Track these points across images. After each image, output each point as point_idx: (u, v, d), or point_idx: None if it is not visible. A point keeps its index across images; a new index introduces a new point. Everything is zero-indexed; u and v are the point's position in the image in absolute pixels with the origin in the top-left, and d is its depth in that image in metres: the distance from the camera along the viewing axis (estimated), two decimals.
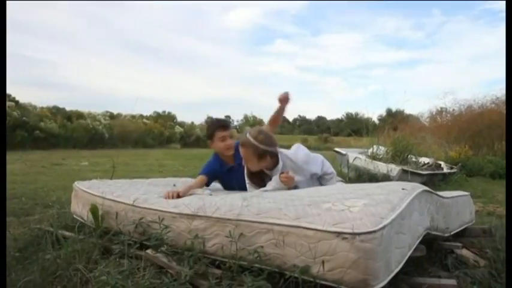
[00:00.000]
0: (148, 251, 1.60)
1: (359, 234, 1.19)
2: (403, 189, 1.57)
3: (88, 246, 1.75)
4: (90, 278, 1.49)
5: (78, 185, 2.22)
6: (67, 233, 2.00)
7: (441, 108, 13.64)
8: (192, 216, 1.59)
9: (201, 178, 2.31)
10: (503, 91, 11.79)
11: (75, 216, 2.22)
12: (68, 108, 18.76)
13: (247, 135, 2.08)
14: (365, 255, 1.18)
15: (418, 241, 1.55)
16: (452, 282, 1.60)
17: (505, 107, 11.54)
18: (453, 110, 13.15)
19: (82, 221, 2.10)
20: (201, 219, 1.56)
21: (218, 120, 2.52)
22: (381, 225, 1.22)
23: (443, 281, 1.60)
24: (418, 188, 1.66)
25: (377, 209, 1.33)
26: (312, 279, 1.26)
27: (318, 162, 2.23)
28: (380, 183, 1.97)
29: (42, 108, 17.37)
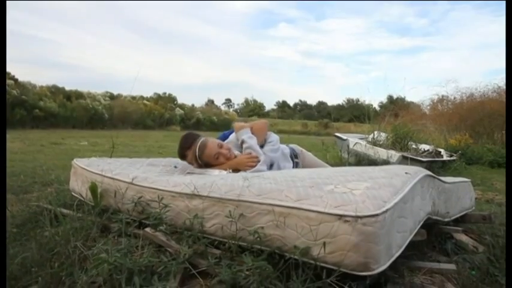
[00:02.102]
0: (147, 229, 1.58)
1: (361, 217, 1.17)
2: (406, 173, 1.56)
3: (87, 224, 1.74)
4: (88, 255, 1.49)
5: (78, 162, 2.20)
6: (65, 211, 1.98)
7: (442, 96, 13.59)
8: (192, 196, 1.57)
9: None
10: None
11: (73, 193, 2.20)
12: (67, 88, 18.65)
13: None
14: (366, 239, 1.17)
15: (419, 225, 1.54)
16: (452, 266, 1.60)
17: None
18: (454, 98, 13.10)
19: (80, 198, 2.08)
20: (201, 199, 1.54)
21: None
22: (383, 209, 1.20)
23: (443, 266, 1.60)
24: (421, 172, 1.64)
25: (380, 193, 1.31)
26: (312, 261, 1.24)
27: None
28: (383, 166, 1.96)
29: (41, 87, 17.25)
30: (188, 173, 2.10)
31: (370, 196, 1.28)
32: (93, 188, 1.89)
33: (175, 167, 2.31)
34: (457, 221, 2.23)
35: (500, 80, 11.71)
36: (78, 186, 2.12)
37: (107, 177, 1.93)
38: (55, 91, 17.54)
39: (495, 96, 11.73)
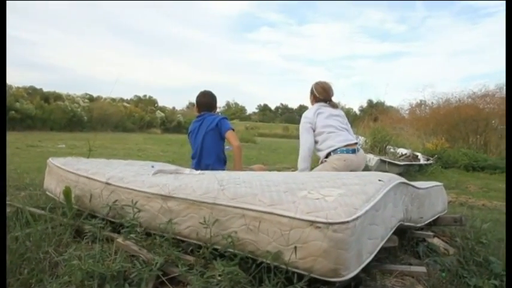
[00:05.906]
0: (119, 239, 1.56)
1: (332, 224, 1.18)
2: (379, 180, 1.57)
3: (59, 228, 1.71)
4: (59, 261, 1.46)
5: (53, 161, 2.15)
6: (39, 211, 1.94)
7: (420, 101, 13.92)
8: (167, 197, 1.56)
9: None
10: (480, 86, 12.16)
11: (47, 192, 2.16)
12: (45, 89, 18.25)
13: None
14: (337, 245, 1.18)
15: (391, 232, 1.56)
16: (422, 269, 1.64)
17: (481, 102, 11.88)
18: (432, 103, 13.44)
19: (55, 198, 2.04)
20: (176, 201, 1.53)
21: None
22: (354, 216, 1.21)
23: (414, 268, 1.64)
24: (395, 179, 1.65)
25: (352, 200, 1.32)
26: (283, 266, 1.26)
27: None
28: (357, 172, 1.99)
29: (18, 88, 16.83)
30: (158, 171, 2.05)
31: (342, 203, 1.29)
32: (66, 193, 1.86)
33: (153, 166, 2.31)
34: (430, 224, 2.28)
35: (475, 86, 12.11)
36: (53, 186, 2.08)
37: (82, 176, 1.89)
38: (32, 92, 17.16)
39: (470, 101, 12.10)
